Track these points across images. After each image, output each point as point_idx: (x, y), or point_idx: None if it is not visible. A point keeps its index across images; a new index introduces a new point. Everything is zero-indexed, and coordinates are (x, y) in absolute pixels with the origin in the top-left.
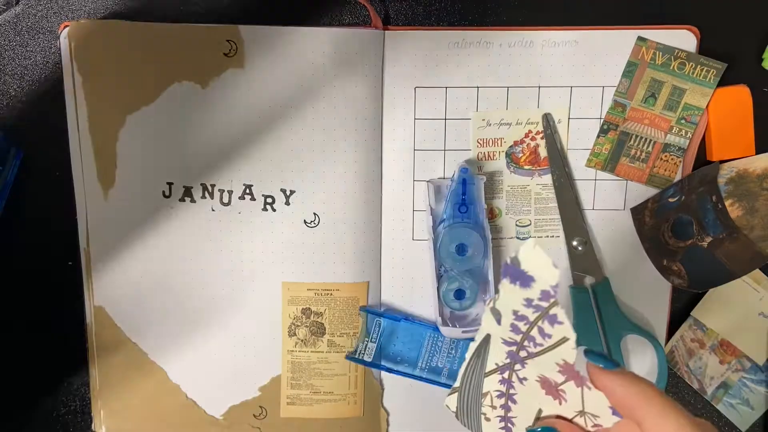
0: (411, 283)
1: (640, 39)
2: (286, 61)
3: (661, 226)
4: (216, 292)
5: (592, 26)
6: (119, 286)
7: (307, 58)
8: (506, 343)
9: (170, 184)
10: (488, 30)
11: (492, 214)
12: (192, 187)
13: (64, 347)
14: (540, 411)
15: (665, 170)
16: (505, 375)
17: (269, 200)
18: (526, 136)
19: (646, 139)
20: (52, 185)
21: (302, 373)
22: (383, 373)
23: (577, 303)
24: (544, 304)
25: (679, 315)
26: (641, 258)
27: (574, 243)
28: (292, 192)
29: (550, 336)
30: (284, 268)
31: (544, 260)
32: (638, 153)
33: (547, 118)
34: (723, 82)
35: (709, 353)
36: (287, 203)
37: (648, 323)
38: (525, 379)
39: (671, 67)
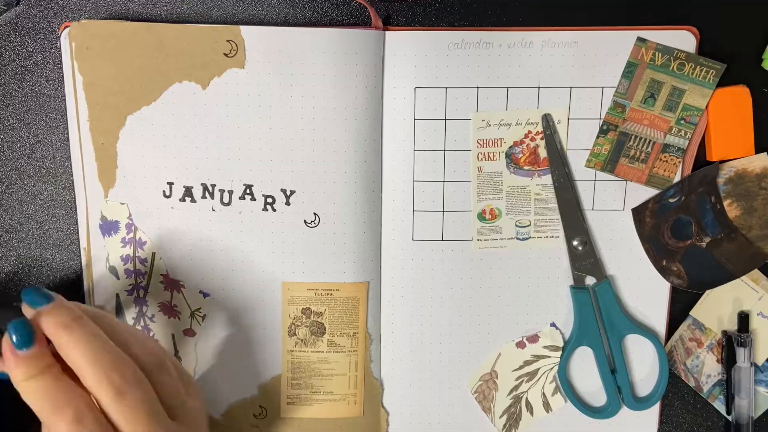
0: (411, 283)
1: (640, 40)
2: (286, 61)
3: (661, 227)
4: (216, 292)
5: (592, 27)
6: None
7: (307, 58)
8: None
9: (170, 184)
10: (488, 30)
11: (492, 215)
12: (192, 187)
13: None
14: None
15: (665, 171)
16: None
17: (269, 200)
18: (526, 136)
19: (645, 139)
20: (52, 185)
21: (302, 373)
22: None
23: (577, 303)
24: (131, 235)
25: (679, 315)
26: (641, 258)
27: (575, 243)
28: (292, 192)
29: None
30: (284, 268)
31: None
32: (638, 153)
33: (547, 119)
34: (723, 82)
35: (707, 352)
36: (287, 203)
37: (648, 323)
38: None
39: (671, 68)
